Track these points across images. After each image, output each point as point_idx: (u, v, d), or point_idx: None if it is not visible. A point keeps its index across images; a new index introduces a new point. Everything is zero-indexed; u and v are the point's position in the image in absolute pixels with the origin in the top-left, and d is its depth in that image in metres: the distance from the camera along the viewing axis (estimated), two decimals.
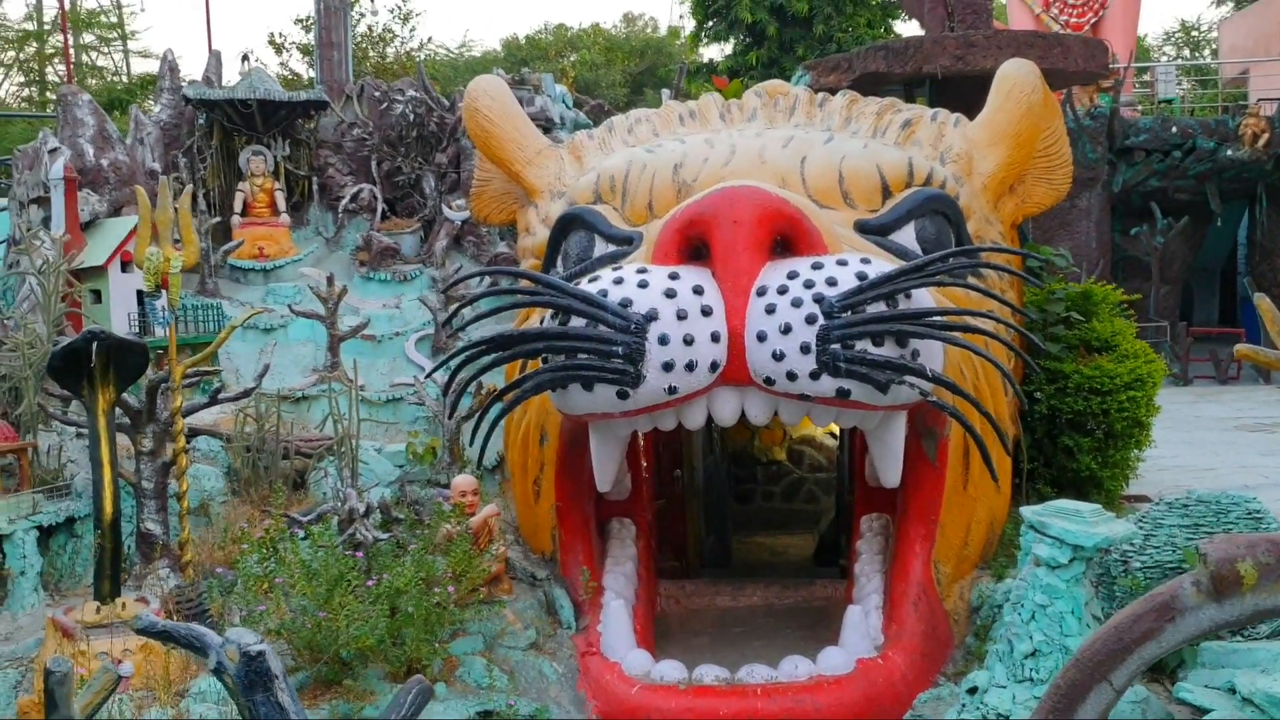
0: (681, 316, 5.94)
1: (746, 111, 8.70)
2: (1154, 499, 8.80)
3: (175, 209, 6.71)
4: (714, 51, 30.76)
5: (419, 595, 6.26)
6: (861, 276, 5.99)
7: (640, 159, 7.84)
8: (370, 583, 6.14)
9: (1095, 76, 12.05)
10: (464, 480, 7.50)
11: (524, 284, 7.08)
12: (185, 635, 4.25)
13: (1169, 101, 20.97)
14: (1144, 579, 5.76)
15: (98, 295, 9.41)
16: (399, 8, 31.60)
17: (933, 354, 6.19)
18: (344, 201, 12.26)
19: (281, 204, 12.22)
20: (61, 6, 26.83)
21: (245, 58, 12.39)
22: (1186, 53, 40.50)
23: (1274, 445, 13.53)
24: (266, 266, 11.79)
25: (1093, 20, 23.67)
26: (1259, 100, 20.56)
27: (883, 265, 6.20)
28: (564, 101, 12.34)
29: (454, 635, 6.70)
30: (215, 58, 12.90)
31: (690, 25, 30.55)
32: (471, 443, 7.27)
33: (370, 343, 10.72)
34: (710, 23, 28.46)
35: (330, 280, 10.18)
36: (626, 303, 6.00)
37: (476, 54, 39.15)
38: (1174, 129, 19.03)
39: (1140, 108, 22.15)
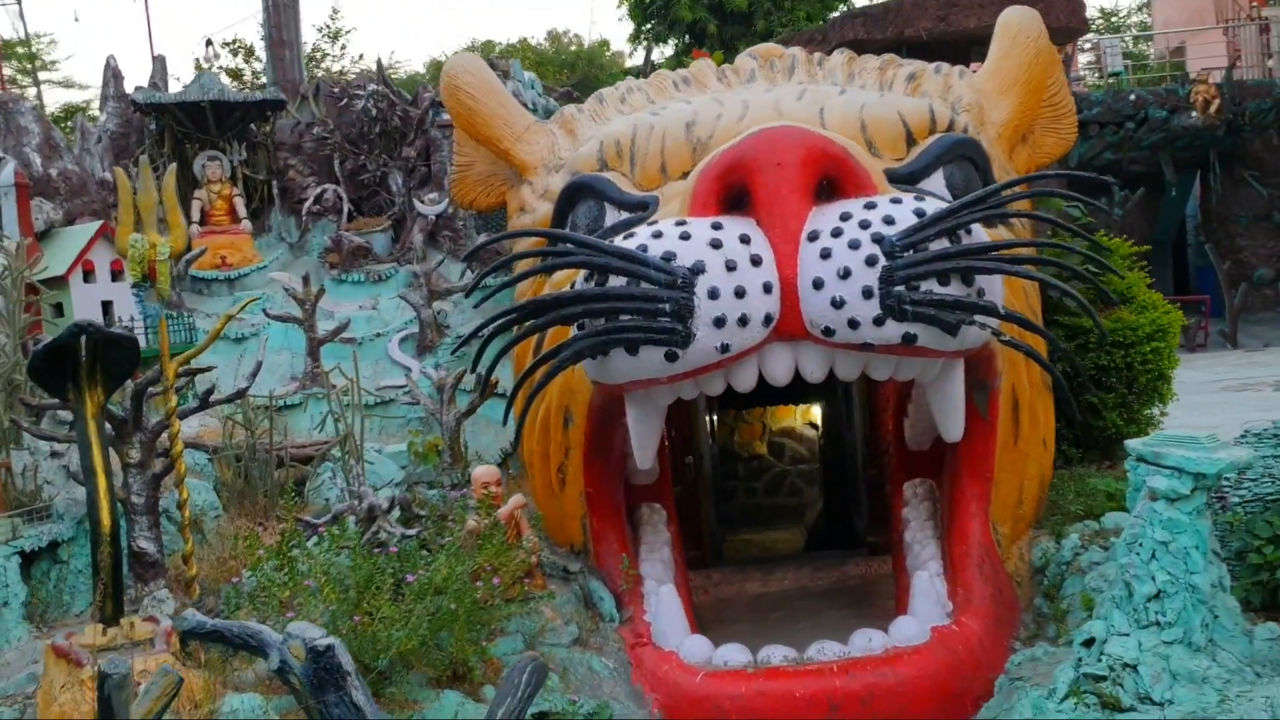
0: (730, 267, 5.49)
1: (744, 74, 8.28)
2: None
3: (159, 191, 6.11)
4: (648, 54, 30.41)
5: (461, 591, 5.71)
6: (920, 214, 5.60)
7: (646, 121, 7.37)
8: (410, 579, 5.57)
9: (1076, 33, 11.89)
10: (486, 471, 6.95)
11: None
12: (240, 634, 3.71)
13: (1117, 74, 21.04)
14: (1244, 513, 5.40)
15: (59, 308, 8.71)
16: (328, 26, 30.85)
17: (995, 292, 5.81)
18: (307, 204, 11.66)
19: (242, 210, 11.57)
20: None
21: (209, 43, 11.73)
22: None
23: (1267, 402, 13.48)
24: (230, 275, 11.12)
25: None
26: (1203, 69, 20.70)
27: (937, 202, 5.81)
28: (534, 87, 11.87)
29: (491, 636, 6.14)
30: (160, 63, 12.25)
31: (627, 29, 30.27)
32: (505, 421, 6.73)
33: (350, 346, 10.12)
34: (649, 24, 28.15)
35: (306, 281, 9.57)
36: (669, 256, 5.53)
37: (402, 75, 38.53)
38: (1129, 99, 19.06)
39: (1086, 82, 22.21)
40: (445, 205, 11.00)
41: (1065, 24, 11.11)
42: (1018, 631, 6.53)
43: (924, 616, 6.15)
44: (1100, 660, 4.74)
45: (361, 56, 30.41)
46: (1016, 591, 6.76)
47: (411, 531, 6.11)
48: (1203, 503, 4.64)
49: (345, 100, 12.10)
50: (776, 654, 6.02)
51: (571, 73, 39.37)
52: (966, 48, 8.51)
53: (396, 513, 6.35)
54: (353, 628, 5.48)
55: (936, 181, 7.00)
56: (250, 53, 28.04)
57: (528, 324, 5.84)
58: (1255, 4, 22.50)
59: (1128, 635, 4.72)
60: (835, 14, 28.28)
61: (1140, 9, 38.99)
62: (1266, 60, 21.53)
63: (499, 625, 6.13)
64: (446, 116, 11.29)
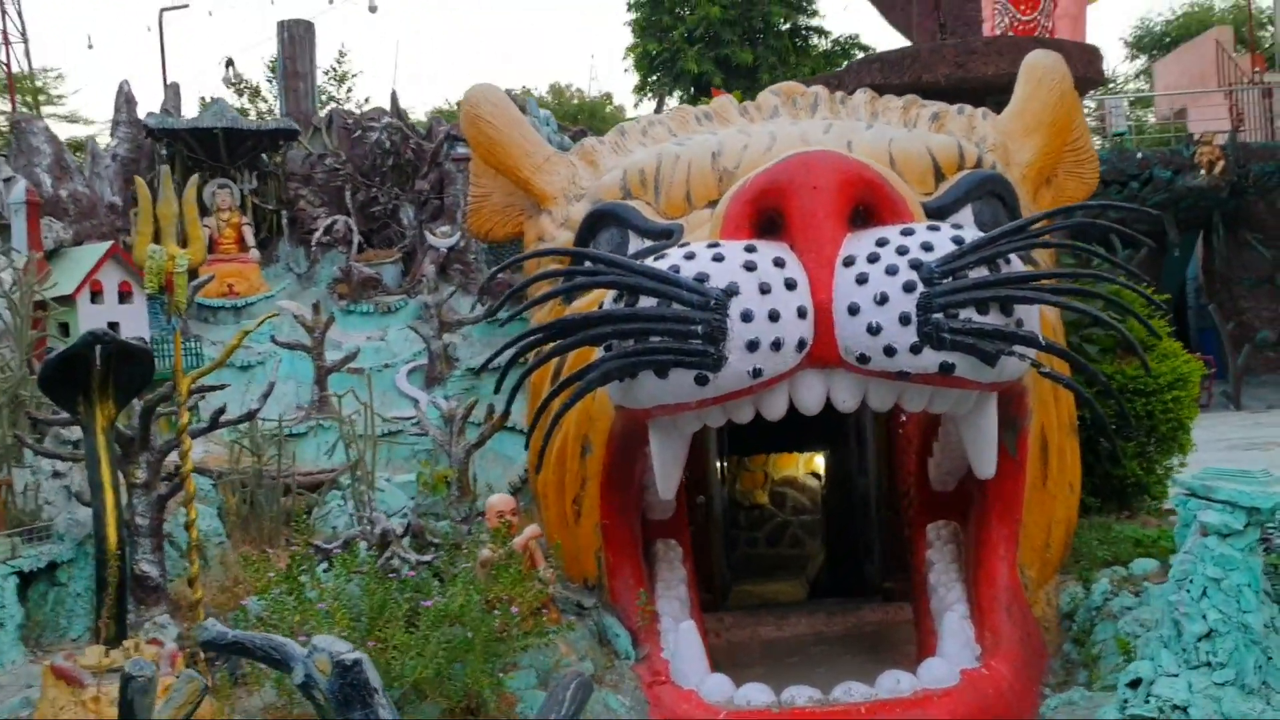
0: (765, 290, 5.36)
1: (766, 110, 8.23)
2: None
3: (181, 203, 5.99)
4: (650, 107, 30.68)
5: (478, 621, 5.51)
6: (958, 241, 5.49)
7: (671, 151, 7.29)
8: (427, 604, 5.37)
9: (1092, 83, 11.90)
10: (501, 500, 6.78)
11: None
12: (263, 646, 3.52)
13: (1121, 134, 21.16)
14: None
15: (65, 328, 8.55)
16: (334, 69, 30.99)
17: (1033, 324, 5.69)
18: (317, 235, 11.54)
19: (250, 239, 11.46)
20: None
21: (230, 63, 11.68)
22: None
23: (1278, 460, 13.34)
24: (237, 304, 11.00)
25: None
26: (1206, 132, 20.82)
27: (975, 231, 5.70)
28: (549, 124, 11.83)
29: (506, 669, 5.93)
30: (173, 90, 12.19)
31: (631, 82, 30.49)
32: (526, 445, 6.55)
33: (357, 376, 9.95)
34: (655, 76, 28.34)
35: (316, 308, 9.43)
36: (703, 278, 5.40)
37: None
38: (1135, 158, 19.13)
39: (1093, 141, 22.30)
40: (457, 238, 10.91)
41: (1082, 74, 11.09)
42: (1046, 677, 6.33)
43: (953, 659, 5.95)
44: (1148, 702, 4.55)
45: (368, 100, 30.38)
46: (1044, 636, 6.57)
47: (426, 558, 5.92)
48: (1256, 539, 4.49)
49: (358, 132, 12.04)
50: (801, 695, 5.81)
51: (574, 123, 39.65)
52: (983, 95, 8.45)
53: (409, 540, 6.15)
54: (365, 654, 5.27)
55: (965, 217, 6.90)
56: (256, 93, 28.13)
57: (555, 344, 5.69)
58: (1258, 70, 22.74)
59: (1177, 676, 4.54)
60: (838, 68, 28.66)
61: (1138, 76, 39.42)
62: (1270, 124, 21.68)
63: (513, 659, 5.92)
64: (461, 150, 11.24)
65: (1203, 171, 19.24)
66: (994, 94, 10.06)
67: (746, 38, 26.96)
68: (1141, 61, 40.36)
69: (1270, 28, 32.80)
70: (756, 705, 5.78)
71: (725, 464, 11.34)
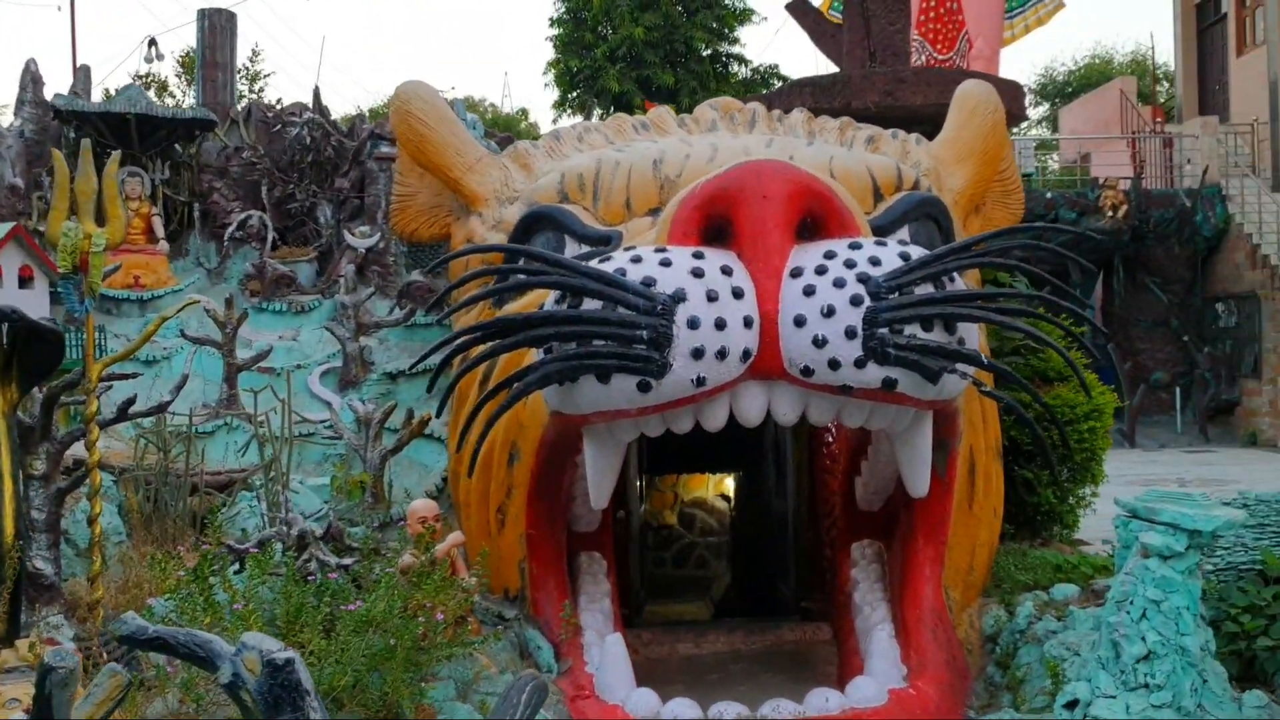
0: (712, 298, 5.27)
1: (704, 123, 8.16)
2: (1092, 545, 8.56)
3: (101, 179, 5.67)
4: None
5: (400, 627, 5.29)
6: (905, 257, 5.48)
7: (611, 157, 7.18)
8: (349, 608, 5.13)
9: (1016, 119, 12.14)
10: (424, 505, 6.55)
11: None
12: (187, 642, 3.28)
13: (1028, 176, 21.72)
14: (1218, 582, 5.31)
15: None
16: (246, 68, 30.26)
17: (973, 342, 5.71)
18: (230, 229, 11.15)
19: (160, 230, 11.00)
20: None
21: (153, 42, 11.21)
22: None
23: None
24: (143, 296, 10.54)
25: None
26: (1109, 176, 21.51)
27: (921, 249, 5.70)
28: (476, 128, 11.62)
29: (425, 679, 5.70)
30: (84, 72, 11.69)
31: (550, 98, 30.41)
32: (458, 448, 6.35)
33: (270, 375, 9.60)
34: (575, 93, 28.28)
35: (229, 303, 9.07)
36: (649, 282, 5.29)
37: None
38: (1043, 198, 19.63)
39: None
40: (377, 239, 10.63)
41: (1008, 109, 11.28)
42: (970, 699, 6.32)
43: (882, 678, 5.91)
44: None
45: (279, 101, 29.71)
46: (967, 658, 6.57)
47: (347, 561, 5.67)
48: (1196, 562, 4.52)
49: (278, 127, 11.69)
50: (729, 711, 5.70)
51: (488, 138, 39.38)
52: (911, 124, 8.53)
53: (329, 544, 5.89)
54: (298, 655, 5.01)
55: (902, 237, 6.93)
56: (164, 87, 27.29)
57: (492, 344, 5.51)
58: (1159, 120, 23.58)
59: (1114, 698, 4.55)
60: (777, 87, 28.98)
61: (1040, 122, 40.68)
62: (1169, 173, 22.48)
63: (434, 669, 5.70)
64: (385, 149, 10.98)
65: (1108, 214, 19.84)
66: (921, 123, 10.19)
67: (668, 60, 27.08)
68: (1044, 109, 41.73)
69: (1167, 83, 34.20)
70: None
71: (642, 482, 11.22)
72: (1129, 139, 23.26)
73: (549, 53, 29.37)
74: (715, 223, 5.57)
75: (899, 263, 5.41)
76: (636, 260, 5.42)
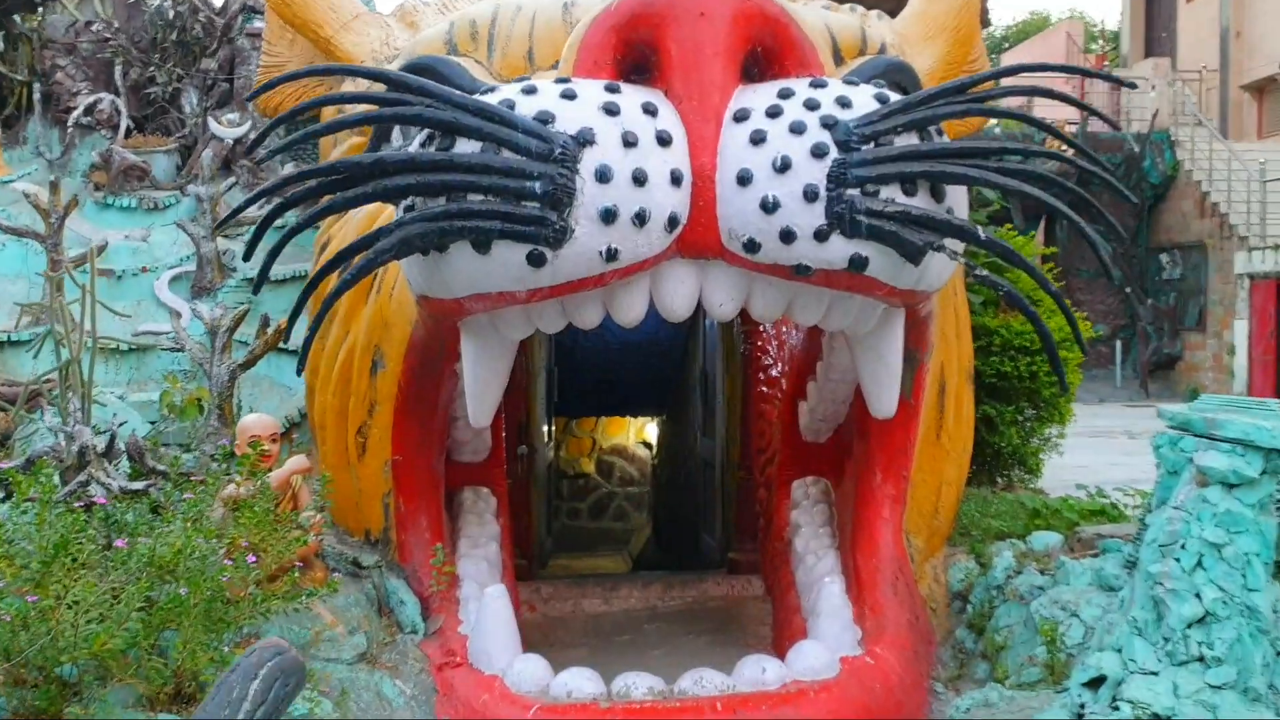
0: (629, 143, 3.93)
1: None
2: (1047, 493, 7.56)
3: None
4: None
5: (198, 573, 3.93)
6: (883, 99, 4.20)
7: (512, 1, 5.78)
8: (120, 543, 3.76)
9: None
10: (256, 420, 5.16)
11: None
12: None
13: None
14: None
15: None
16: None
17: (963, 213, 4.49)
18: (76, 113, 9.54)
19: None
20: None
21: None
22: None
23: (1127, 447, 12.96)
24: None
25: None
26: (1056, 120, 20.53)
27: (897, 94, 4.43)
28: None
29: (245, 641, 4.34)
30: None
31: None
32: (302, 365, 4.96)
33: (108, 280, 8.09)
34: None
35: (55, 186, 7.51)
36: (545, 117, 3.94)
37: None
38: (987, 137, 18.55)
39: None
40: (247, 127, 9.11)
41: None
42: (935, 670, 5.15)
43: (832, 643, 4.69)
44: (1116, 707, 3.35)
45: None
46: (931, 620, 5.40)
47: (137, 485, 4.27)
48: (1271, 493, 3.33)
49: (136, 0, 10.07)
50: (639, 684, 4.42)
51: None
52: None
53: (124, 464, 4.49)
54: (25, 612, 3.64)
55: None
56: None
57: (332, 198, 4.10)
58: (1107, 63, 22.65)
59: (1155, 675, 3.35)
60: None
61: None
62: (1118, 117, 21.55)
63: (252, 628, 4.35)
64: (258, 24, 9.46)
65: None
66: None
67: None
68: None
69: (1100, 40, 33.52)
70: (580, 697, 4.37)
71: (551, 425, 9.96)
72: (1077, 81, 22.23)
73: None
74: (637, 50, 4.21)
75: (874, 105, 4.13)
76: (530, 91, 4.06)
